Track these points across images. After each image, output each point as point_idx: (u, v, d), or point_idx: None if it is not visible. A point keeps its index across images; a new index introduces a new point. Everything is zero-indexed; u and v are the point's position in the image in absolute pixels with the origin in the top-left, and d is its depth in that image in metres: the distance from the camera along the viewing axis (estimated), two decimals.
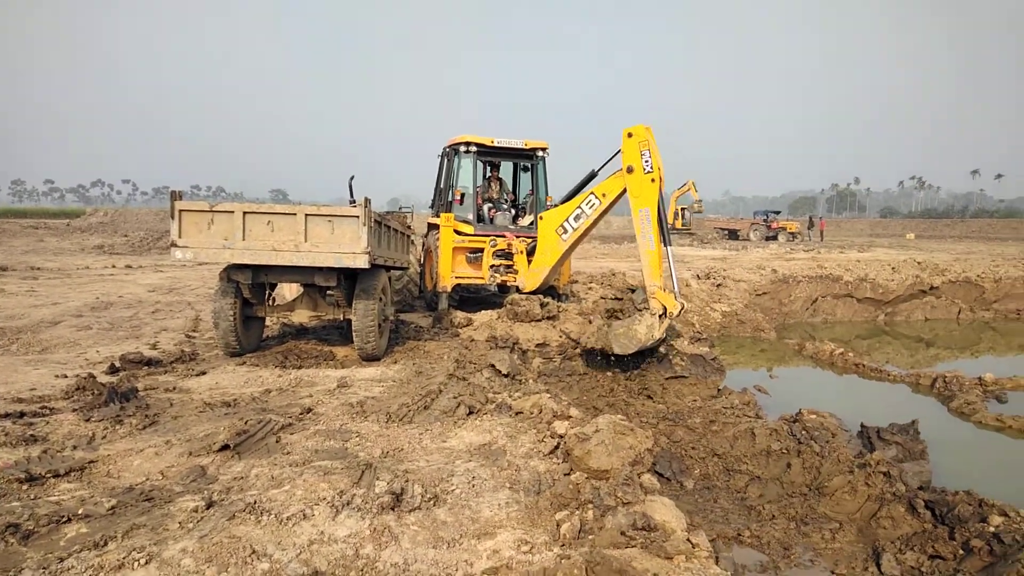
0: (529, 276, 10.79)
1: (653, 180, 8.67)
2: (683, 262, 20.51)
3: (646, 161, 8.70)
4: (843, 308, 17.83)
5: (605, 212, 9.70)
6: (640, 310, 8.67)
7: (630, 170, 8.83)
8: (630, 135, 8.83)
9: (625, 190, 9.03)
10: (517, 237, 11.21)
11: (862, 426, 7.40)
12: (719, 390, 8.68)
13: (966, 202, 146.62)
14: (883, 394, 10.28)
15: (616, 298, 9.20)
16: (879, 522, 5.36)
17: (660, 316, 8.38)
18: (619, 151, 9.03)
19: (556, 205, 10.45)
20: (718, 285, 16.29)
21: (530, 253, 10.98)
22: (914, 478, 6.12)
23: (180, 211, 6.78)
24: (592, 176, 9.92)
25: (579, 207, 9.78)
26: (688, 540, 3.35)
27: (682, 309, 8.57)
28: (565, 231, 10.00)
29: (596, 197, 9.57)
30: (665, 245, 8.61)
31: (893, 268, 18.70)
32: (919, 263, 19.37)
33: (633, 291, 9.20)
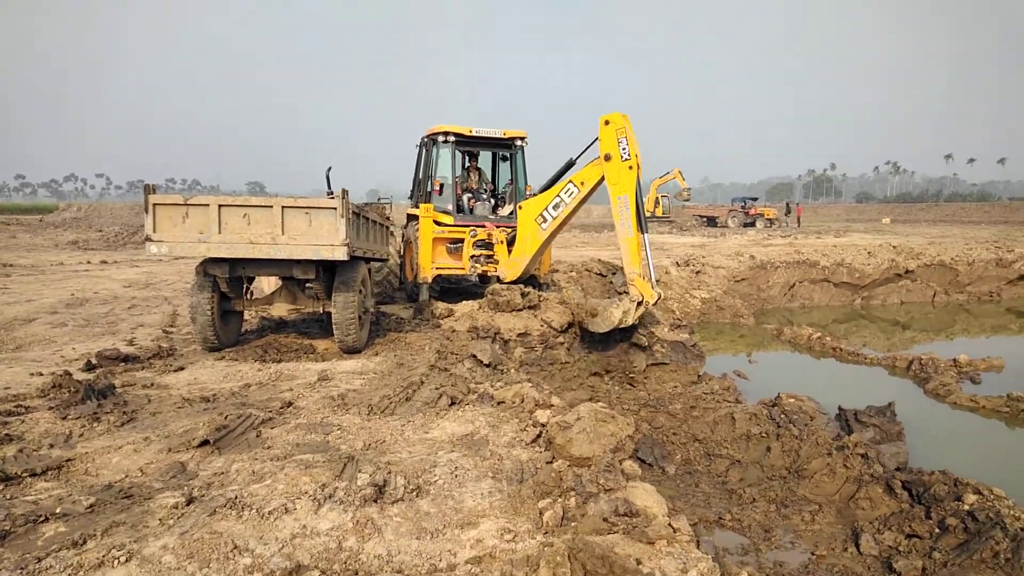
0: (510, 266, 10.79)
1: (631, 167, 8.72)
2: (662, 249, 20.61)
3: (623, 148, 8.75)
4: (820, 293, 18.06)
5: (584, 200, 9.75)
6: (620, 293, 8.76)
7: (608, 158, 8.88)
8: (607, 123, 8.85)
9: (603, 178, 9.07)
10: (497, 227, 11.19)
11: (840, 409, 7.51)
12: (699, 376, 8.77)
13: (940, 186, 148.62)
14: (860, 377, 10.44)
15: (600, 274, 9.29)
16: (857, 503, 5.46)
17: (637, 304, 8.47)
18: (596, 139, 9.06)
19: (535, 194, 10.46)
20: (697, 272, 16.40)
21: (510, 243, 10.96)
22: (891, 459, 6.24)
23: (154, 205, 6.68)
24: (570, 165, 9.98)
25: (558, 196, 9.82)
26: (669, 525, 3.39)
27: (659, 299, 8.67)
28: (544, 220, 10.03)
29: (575, 185, 9.61)
30: (642, 232, 8.66)
31: (869, 253, 18.95)
32: (894, 247, 19.64)
33: (615, 273, 9.30)
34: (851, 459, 5.82)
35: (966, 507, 4.87)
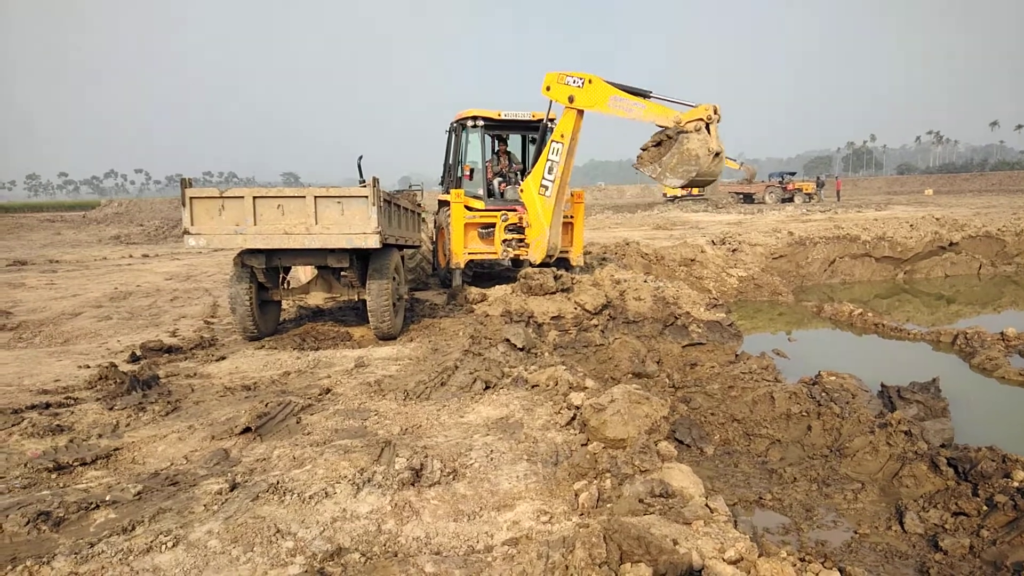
0: (534, 248, 10.76)
1: (590, 82, 9.31)
2: (697, 228, 20.36)
3: (575, 83, 9.42)
4: (861, 268, 17.65)
5: (572, 151, 10.11)
6: (677, 135, 8.40)
7: (571, 99, 9.52)
8: (548, 88, 9.72)
9: (581, 113, 9.65)
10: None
11: (882, 386, 7.36)
12: (737, 355, 8.65)
13: (985, 155, 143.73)
14: (903, 353, 10.20)
15: (656, 143, 9.00)
16: (901, 481, 5.35)
17: (707, 127, 8.31)
18: (552, 102, 9.87)
19: (527, 172, 10.82)
20: (734, 250, 16.16)
21: None
22: (936, 436, 6.09)
23: (191, 199, 6.80)
24: (546, 129, 10.47)
25: (548, 160, 10.16)
26: (706, 505, 3.37)
27: (715, 109, 8.42)
28: (546, 188, 10.32)
29: (558, 142, 10.03)
30: (647, 98, 8.96)
31: (911, 225, 18.44)
32: (938, 219, 19.07)
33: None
34: (894, 436, 5.71)
35: (1016, 484, 4.74)
